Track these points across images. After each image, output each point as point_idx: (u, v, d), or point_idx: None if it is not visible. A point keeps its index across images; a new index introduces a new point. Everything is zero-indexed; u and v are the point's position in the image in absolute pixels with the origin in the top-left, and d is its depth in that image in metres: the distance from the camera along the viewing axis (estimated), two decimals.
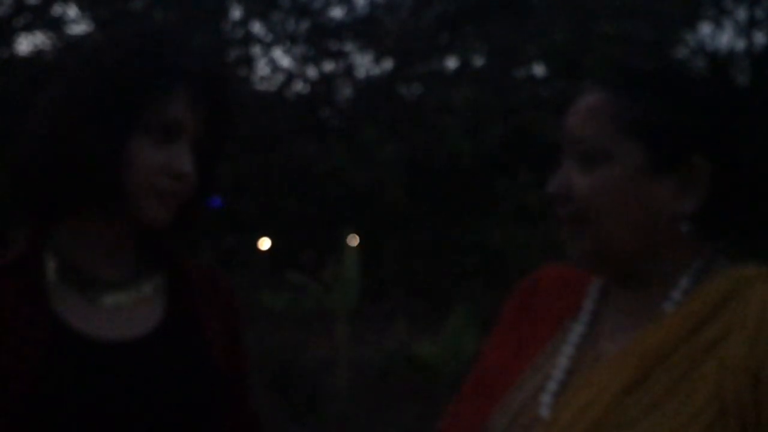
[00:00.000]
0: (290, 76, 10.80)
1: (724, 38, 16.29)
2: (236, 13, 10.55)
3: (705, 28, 13.46)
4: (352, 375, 6.70)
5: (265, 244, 9.57)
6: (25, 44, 13.65)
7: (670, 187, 1.08)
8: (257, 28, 10.69)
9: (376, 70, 10.93)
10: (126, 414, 1.17)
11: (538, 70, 10.92)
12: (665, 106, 1.10)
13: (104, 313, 1.23)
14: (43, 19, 9.36)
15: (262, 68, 10.85)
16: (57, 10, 9.46)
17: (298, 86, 10.96)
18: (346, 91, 11.15)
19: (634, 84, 1.12)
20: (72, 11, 9.64)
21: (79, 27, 9.79)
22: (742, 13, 10.32)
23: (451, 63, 10.85)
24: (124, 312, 1.24)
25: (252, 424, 1.35)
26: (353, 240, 7.44)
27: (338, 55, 10.77)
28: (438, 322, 6.77)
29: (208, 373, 1.24)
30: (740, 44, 10.53)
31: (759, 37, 10.36)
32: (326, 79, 10.85)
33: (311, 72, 10.86)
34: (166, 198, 1.19)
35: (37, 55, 9.46)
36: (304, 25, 10.60)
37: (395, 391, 6.63)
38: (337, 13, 11.60)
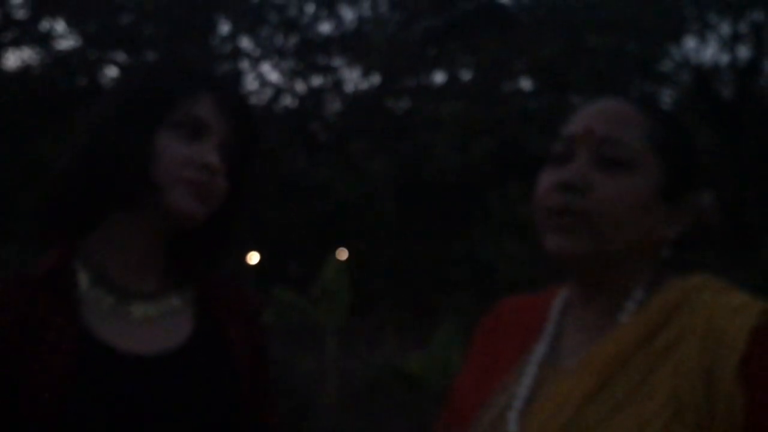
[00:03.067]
0: (279, 91, 10.84)
1: (709, 52, 16.44)
2: (224, 27, 10.59)
3: (690, 42, 13.57)
4: (341, 388, 6.70)
5: (253, 258, 9.57)
6: (13, 59, 13.61)
7: (664, 212, 1.11)
8: (245, 42, 10.73)
9: (364, 85, 10.98)
10: (151, 427, 1.19)
11: (526, 83, 11.00)
12: (688, 142, 1.14)
13: (134, 327, 1.25)
14: (31, 34, 9.36)
15: (250, 83, 10.89)
16: (45, 25, 9.47)
17: (287, 100, 11.00)
18: (334, 106, 11.19)
19: (661, 113, 1.15)
20: (60, 26, 9.65)
21: (67, 42, 9.80)
22: (726, 28, 10.43)
23: (439, 77, 10.92)
24: (154, 325, 1.26)
25: None
26: (342, 253, 7.45)
27: (326, 70, 10.82)
28: (426, 335, 6.78)
29: (232, 391, 1.26)
30: (724, 58, 10.64)
31: (743, 51, 10.46)
32: (315, 94, 10.89)
33: (300, 86, 10.90)
34: (195, 188, 1.23)
35: (25, 70, 9.46)
36: (293, 40, 10.64)
37: (383, 404, 6.63)
38: (325, 28, 11.65)
